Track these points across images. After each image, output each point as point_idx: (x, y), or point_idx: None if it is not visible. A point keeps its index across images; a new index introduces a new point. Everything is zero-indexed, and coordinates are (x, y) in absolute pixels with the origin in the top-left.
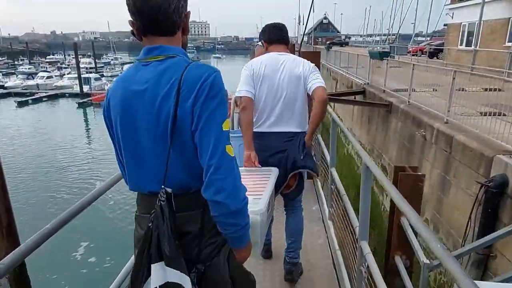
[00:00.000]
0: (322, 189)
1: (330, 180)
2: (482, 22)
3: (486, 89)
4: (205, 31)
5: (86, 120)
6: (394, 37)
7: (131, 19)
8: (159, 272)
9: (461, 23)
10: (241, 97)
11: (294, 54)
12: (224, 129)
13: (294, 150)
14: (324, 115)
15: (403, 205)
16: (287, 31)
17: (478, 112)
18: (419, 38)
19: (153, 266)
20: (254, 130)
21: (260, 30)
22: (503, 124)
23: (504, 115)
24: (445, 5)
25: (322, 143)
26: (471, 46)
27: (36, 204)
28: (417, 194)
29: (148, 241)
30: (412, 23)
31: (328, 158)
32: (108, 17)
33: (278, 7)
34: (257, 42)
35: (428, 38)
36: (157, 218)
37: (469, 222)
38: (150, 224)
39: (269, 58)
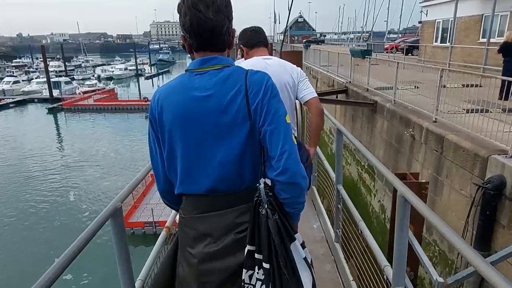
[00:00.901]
0: (323, 204)
1: (337, 198)
2: (456, 19)
3: (463, 85)
4: (181, 31)
5: (57, 126)
6: (368, 34)
7: (184, 35)
8: (298, 249)
9: (435, 20)
10: None
11: (273, 53)
12: (287, 121)
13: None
14: (323, 124)
15: (446, 229)
16: (265, 33)
17: (463, 110)
18: (391, 35)
19: (292, 245)
20: None
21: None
22: (492, 122)
23: (489, 111)
24: (419, 3)
25: (322, 155)
26: (446, 43)
27: (5, 215)
28: None
29: (259, 234)
30: (385, 21)
31: (330, 171)
32: (78, 18)
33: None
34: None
35: (400, 35)
36: (271, 210)
37: (467, 225)
38: (275, 219)
39: (253, 63)
